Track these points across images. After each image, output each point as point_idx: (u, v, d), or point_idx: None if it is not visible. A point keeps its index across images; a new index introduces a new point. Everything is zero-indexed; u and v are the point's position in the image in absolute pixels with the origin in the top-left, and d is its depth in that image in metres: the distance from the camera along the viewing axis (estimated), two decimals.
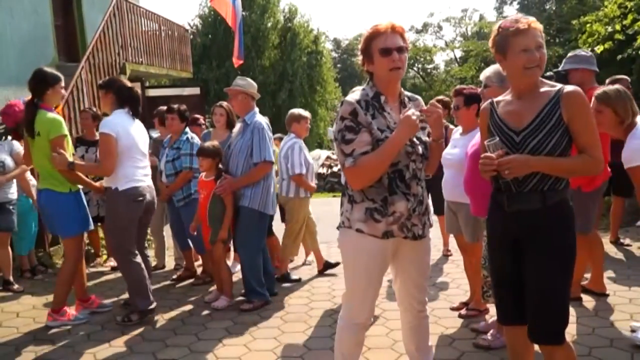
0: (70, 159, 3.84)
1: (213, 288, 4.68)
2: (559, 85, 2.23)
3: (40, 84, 3.86)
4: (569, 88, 2.20)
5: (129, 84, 4.16)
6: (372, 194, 2.35)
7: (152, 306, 4.00)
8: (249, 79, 4.53)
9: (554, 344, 2.22)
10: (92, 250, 6.01)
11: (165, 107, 5.17)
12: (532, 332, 2.25)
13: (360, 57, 2.42)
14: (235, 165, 4.29)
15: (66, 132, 3.87)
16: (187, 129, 5.03)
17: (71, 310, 4.08)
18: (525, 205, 2.22)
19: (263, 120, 4.38)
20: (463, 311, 3.91)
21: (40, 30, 8.86)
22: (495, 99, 2.41)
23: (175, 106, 4.95)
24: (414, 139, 2.38)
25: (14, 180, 4.97)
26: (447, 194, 3.80)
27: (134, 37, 9.62)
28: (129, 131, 3.90)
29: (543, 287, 2.20)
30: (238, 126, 4.51)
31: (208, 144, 4.41)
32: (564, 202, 2.24)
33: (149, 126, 6.47)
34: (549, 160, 2.16)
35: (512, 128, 2.25)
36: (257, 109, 4.44)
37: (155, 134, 5.68)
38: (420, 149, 2.39)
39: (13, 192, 4.97)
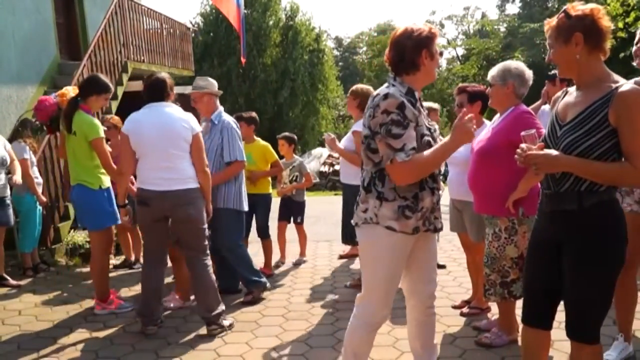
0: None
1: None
2: (622, 82, 2.05)
3: (90, 87, 4.08)
4: (625, 86, 2.00)
5: (162, 75, 3.82)
6: (405, 192, 2.35)
7: (137, 311, 3.92)
8: (209, 79, 4.45)
9: (582, 341, 2.16)
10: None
11: None
12: (566, 326, 2.21)
13: (415, 49, 2.36)
14: None
15: (103, 134, 4.05)
16: None
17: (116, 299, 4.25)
18: (560, 206, 2.13)
19: (230, 119, 4.37)
20: (465, 309, 3.91)
21: (42, 29, 8.86)
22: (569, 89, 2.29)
23: None
24: (436, 135, 2.46)
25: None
26: (453, 192, 3.80)
27: (135, 35, 9.62)
28: (140, 128, 3.60)
29: (575, 290, 2.12)
30: (203, 125, 4.43)
31: None
32: (605, 204, 2.08)
33: None
34: (580, 162, 2.02)
35: (559, 120, 2.15)
36: (221, 108, 4.41)
37: None
38: None
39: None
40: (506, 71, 3.16)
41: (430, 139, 2.39)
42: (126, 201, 3.87)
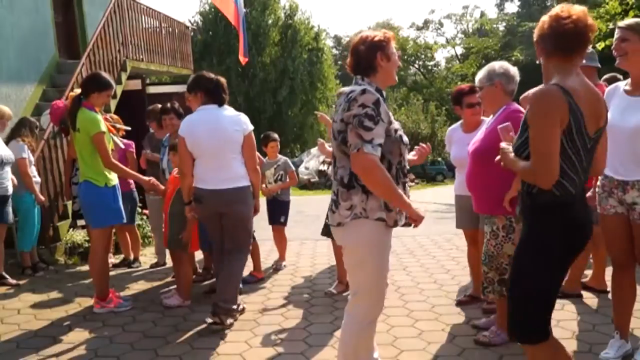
0: (110, 153, 4.07)
1: (173, 287, 4.60)
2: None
3: (91, 84, 4.09)
4: (534, 88, 2.12)
5: (210, 75, 3.90)
6: None
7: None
8: None
9: (518, 341, 2.23)
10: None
11: (157, 106, 5.15)
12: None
13: (369, 52, 2.47)
14: None
15: (105, 129, 4.04)
16: None
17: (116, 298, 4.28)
18: (520, 205, 2.25)
19: None
20: (462, 298, 3.88)
21: (40, 27, 8.85)
22: None
23: (169, 105, 4.93)
24: (404, 135, 2.55)
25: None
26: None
27: (134, 34, 9.60)
28: (194, 131, 3.71)
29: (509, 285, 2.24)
30: None
31: None
32: (542, 208, 2.12)
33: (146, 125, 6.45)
34: (512, 161, 2.17)
35: None
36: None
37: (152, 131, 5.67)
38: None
39: None
40: (491, 71, 3.24)
41: (401, 133, 2.49)
42: (191, 198, 3.85)
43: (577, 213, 2.14)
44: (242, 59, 9.40)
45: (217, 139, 3.69)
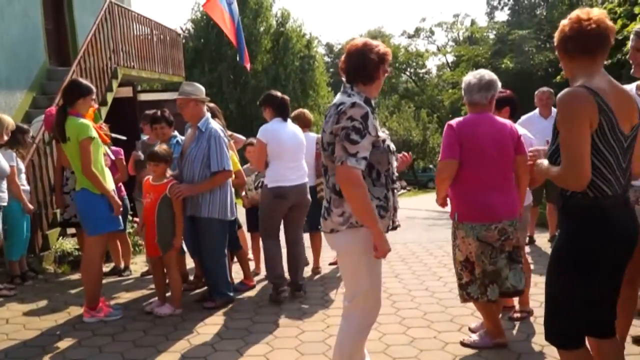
0: (101, 159, 4.12)
1: (154, 299, 4.55)
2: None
3: (73, 92, 4.09)
4: (563, 91, 2.08)
5: (277, 94, 4.66)
6: (378, 193, 2.47)
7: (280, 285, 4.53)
8: (196, 84, 4.42)
9: (552, 344, 2.24)
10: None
11: (152, 112, 5.13)
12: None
13: (377, 63, 2.50)
14: (191, 173, 4.24)
15: (93, 134, 4.02)
16: (176, 132, 5.01)
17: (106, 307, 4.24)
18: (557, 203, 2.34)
19: (218, 127, 4.35)
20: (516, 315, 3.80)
21: (30, 34, 8.81)
22: None
23: (159, 114, 4.91)
24: (391, 143, 2.57)
25: None
26: None
27: (125, 41, 9.58)
28: (277, 137, 4.43)
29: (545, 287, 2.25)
30: (189, 132, 4.47)
31: (158, 148, 4.34)
32: (575, 209, 2.11)
33: (139, 131, 6.44)
34: (546, 168, 2.17)
35: None
36: (209, 114, 4.41)
37: (146, 137, 5.64)
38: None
39: None
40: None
41: (389, 142, 2.52)
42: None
43: (614, 216, 2.08)
44: (247, 65, 9.35)
45: (296, 144, 4.53)
